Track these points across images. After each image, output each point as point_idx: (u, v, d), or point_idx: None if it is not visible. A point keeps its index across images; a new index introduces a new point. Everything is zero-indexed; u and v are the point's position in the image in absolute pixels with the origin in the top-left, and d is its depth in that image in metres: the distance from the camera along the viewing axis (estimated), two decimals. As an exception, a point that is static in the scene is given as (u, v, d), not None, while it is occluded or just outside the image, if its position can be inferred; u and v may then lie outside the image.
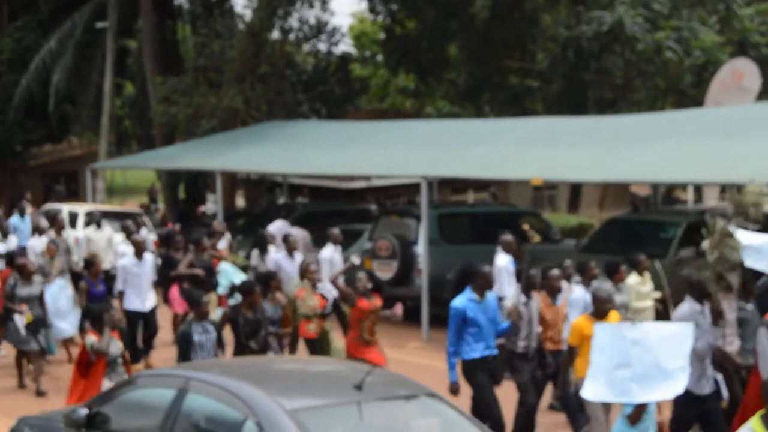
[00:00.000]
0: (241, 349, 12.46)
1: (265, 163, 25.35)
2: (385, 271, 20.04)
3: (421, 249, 19.45)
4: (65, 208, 25.92)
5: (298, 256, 17.44)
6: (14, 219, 23.22)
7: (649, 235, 19.28)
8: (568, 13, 35.09)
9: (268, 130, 27.96)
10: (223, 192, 26.71)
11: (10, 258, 17.09)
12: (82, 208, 25.94)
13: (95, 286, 15.42)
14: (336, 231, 18.34)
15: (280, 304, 13.81)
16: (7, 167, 40.59)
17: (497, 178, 27.37)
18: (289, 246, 17.67)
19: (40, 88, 35.38)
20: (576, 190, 40.50)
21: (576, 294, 13.46)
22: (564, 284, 13.17)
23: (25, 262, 15.29)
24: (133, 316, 16.32)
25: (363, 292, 13.35)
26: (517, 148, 20.41)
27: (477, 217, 22.22)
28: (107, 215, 25.00)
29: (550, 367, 12.22)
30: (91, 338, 11.68)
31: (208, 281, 16.78)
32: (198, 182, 35.22)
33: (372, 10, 38.14)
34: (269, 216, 24.36)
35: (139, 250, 16.25)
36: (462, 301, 11.49)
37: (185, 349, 11.66)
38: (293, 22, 32.93)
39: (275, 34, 32.67)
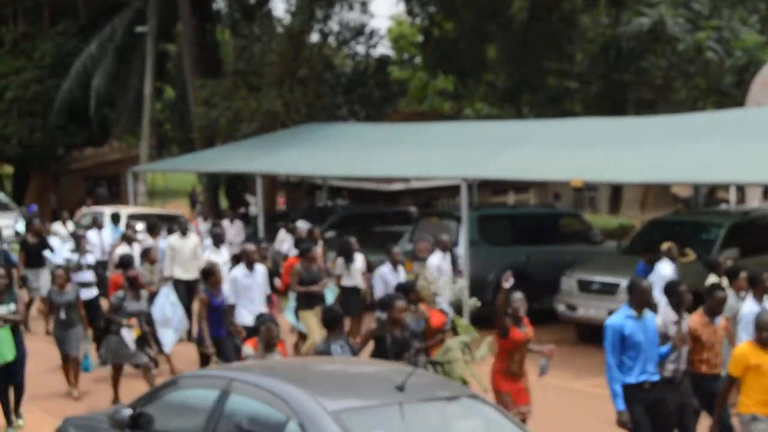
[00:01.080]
0: None
1: (304, 165, 25.39)
2: (426, 273, 19.98)
3: (461, 251, 19.41)
4: (108, 211, 26.14)
5: (402, 270, 16.48)
6: (109, 228, 22.75)
7: (692, 237, 19.14)
8: (608, 14, 34.98)
9: (307, 132, 28.02)
10: (264, 194, 26.79)
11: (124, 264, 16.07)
12: (124, 211, 26.14)
13: (215, 297, 14.08)
14: (446, 237, 17.53)
15: (423, 316, 12.42)
16: (49, 171, 40.97)
17: (537, 180, 27.29)
18: (393, 258, 16.59)
19: (81, 93, 35.68)
20: (617, 191, 40.35)
21: (747, 309, 12.04)
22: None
23: (136, 275, 14.79)
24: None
25: (516, 320, 11.09)
26: (556, 149, 20.33)
27: (517, 219, 22.15)
28: (149, 217, 25.17)
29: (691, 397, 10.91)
30: (248, 348, 11.32)
31: (320, 295, 16.08)
32: (238, 185, 35.37)
33: (410, 12, 38.19)
34: (309, 218, 24.40)
35: (250, 261, 15.37)
36: (619, 318, 10.27)
37: None
38: (332, 25, 33.03)
39: (314, 37, 32.77)
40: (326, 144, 25.93)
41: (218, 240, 18.53)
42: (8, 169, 47.55)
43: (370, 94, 33.59)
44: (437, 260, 17.01)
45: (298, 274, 15.99)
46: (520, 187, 35.28)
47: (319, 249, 18.08)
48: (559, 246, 21.25)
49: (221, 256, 17.81)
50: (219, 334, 13.96)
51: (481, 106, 43.46)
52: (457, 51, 36.38)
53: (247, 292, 15.29)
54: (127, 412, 8.66)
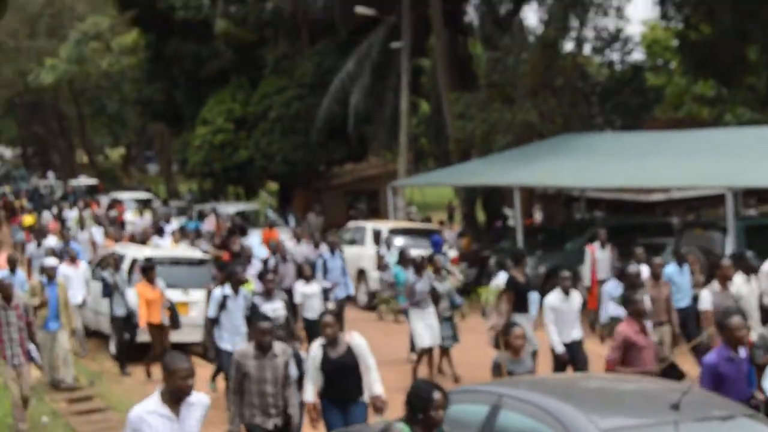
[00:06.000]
0: None
1: (561, 176, 25.18)
2: (692, 286, 19.37)
3: (727, 262, 18.69)
4: (369, 226, 26.71)
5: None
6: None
7: None
8: None
9: (563, 143, 27.80)
10: (521, 207, 26.71)
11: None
12: (385, 226, 26.63)
13: None
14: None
15: None
16: (311, 187, 42.28)
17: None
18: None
19: (340, 109, 36.59)
20: None
21: None
22: None
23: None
24: None
25: None
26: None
27: (787, 229, 21.19)
28: (408, 232, 25.53)
29: None
30: None
31: None
32: (495, 198, 35.44)
33: (664, 16, 37.26)
34: (568, 232, 24.16)
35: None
36: None
37: None
38: (587, 32, 32.60)
39: (568, 46, 32.49)
40: (583, 154, 25.65)
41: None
42: (273, 186, 49.38)
43: (626, 102, 32.98)
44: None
45: None
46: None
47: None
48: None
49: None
50: None
51: (742, 111, 41.94)
52: (716, 54, 35.24)
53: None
54: (399, 425, 8.78)
